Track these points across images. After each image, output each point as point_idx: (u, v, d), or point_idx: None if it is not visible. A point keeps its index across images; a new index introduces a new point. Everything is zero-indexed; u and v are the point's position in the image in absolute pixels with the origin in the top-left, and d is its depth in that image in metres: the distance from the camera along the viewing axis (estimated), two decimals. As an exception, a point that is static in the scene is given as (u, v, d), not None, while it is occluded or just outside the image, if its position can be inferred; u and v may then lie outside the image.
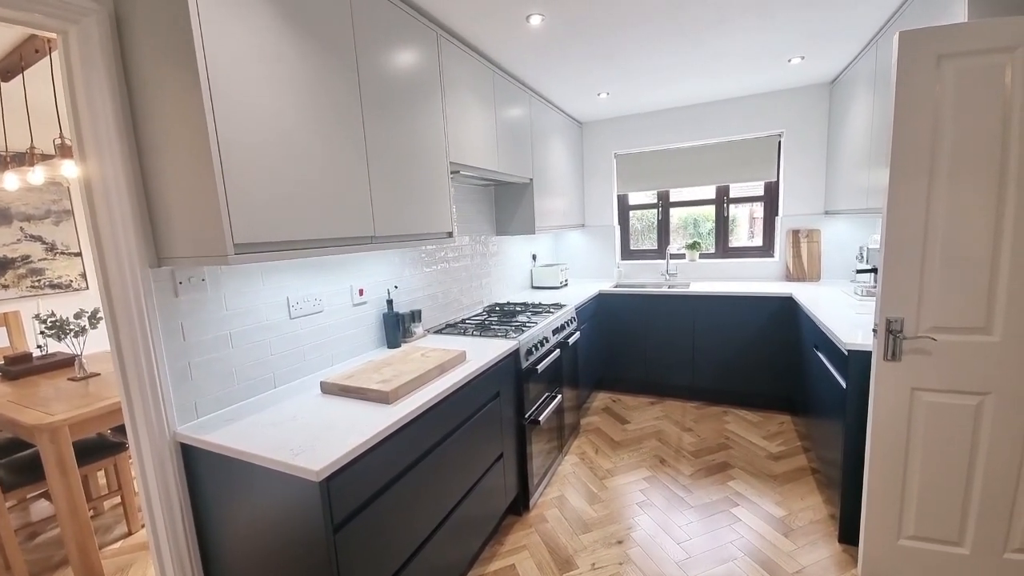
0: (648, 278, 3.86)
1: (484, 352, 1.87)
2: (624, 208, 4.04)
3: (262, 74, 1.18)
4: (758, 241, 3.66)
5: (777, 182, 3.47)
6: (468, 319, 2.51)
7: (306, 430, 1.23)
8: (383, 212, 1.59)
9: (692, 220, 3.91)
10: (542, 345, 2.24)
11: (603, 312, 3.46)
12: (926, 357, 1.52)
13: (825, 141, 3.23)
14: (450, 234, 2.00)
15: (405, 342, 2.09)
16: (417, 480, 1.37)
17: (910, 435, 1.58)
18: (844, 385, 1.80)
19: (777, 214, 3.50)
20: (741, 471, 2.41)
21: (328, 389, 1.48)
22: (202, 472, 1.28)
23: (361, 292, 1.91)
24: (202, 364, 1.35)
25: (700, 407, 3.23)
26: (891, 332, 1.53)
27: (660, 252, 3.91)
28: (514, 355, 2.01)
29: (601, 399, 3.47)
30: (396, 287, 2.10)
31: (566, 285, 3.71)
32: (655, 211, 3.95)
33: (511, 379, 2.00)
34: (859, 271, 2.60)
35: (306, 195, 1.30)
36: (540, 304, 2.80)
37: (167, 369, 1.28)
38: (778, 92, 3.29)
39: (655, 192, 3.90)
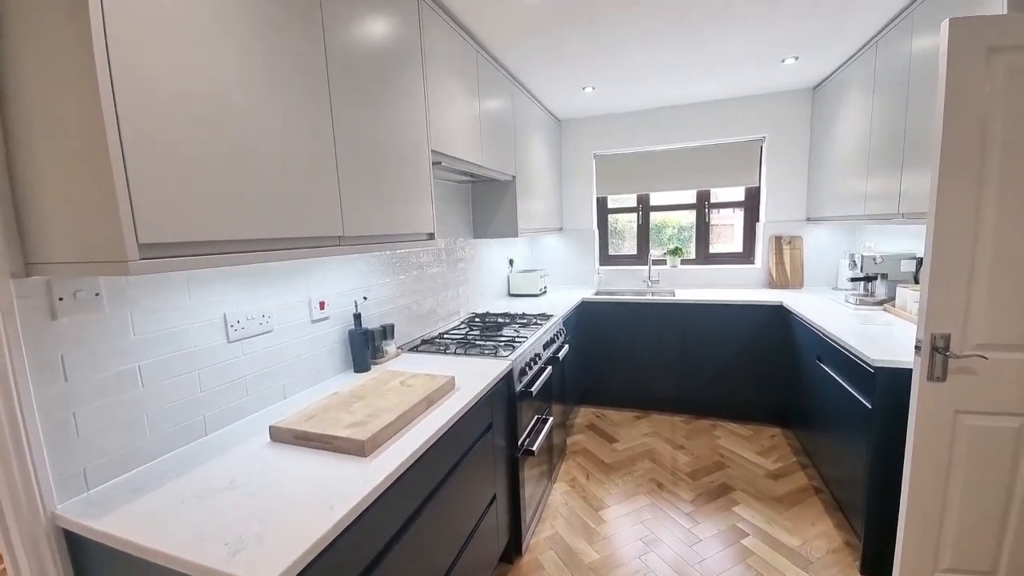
0: (629, 285, 3.69)
1: (474, 375, 1.57)
2: (603, 211, 3.86)
3: (190, 23, 0.83)
4: (736, 247, 3.58)
5: (759, 188, 3.41)
6: (447, 333, 2.19)
7: (249, 505, 0.88)
8: (354, 208, 1.26)
9: (655, 226, 3.79)
10: (534, 363, 1.97)
11: (586, 322, 3.25)
12: (972, 377, 1.38)
13: (807, 147, 3.19)
14: (431, 235, 1.69)
15: (376, 364, 1.75)
16: (400, 557, 1.05)
17: (951, 462, 1.45)
18: (868, 405, 1.65)
19: (759, 220, 3.43)
20: (743, 494, 2.24)
21: (280, 436, 1.13)
22: (97, 570, 0.90)
23: (322, 305, 1.56)
24: (95, 412, 0.97)
25: (688, 421, 3.08)
26: (936, 350, 1.38)
27: (640, 258, 3.76)
28: (507, 377, 1.73)
29: (584, 415, 3.24)
30: (365, 298, 1.76)
31: (545, 292, 3.47)
32: (634, 215, 3.79)
33: (503, 405, 1.72)
34: (853, 279, 2.52)
35: (251, 182, 0.96)
36: (525, 315, 2.53)
37: (38, 422, 0.89)
38: (761, 96, 3.23)
39: (635, 196, 3.75)
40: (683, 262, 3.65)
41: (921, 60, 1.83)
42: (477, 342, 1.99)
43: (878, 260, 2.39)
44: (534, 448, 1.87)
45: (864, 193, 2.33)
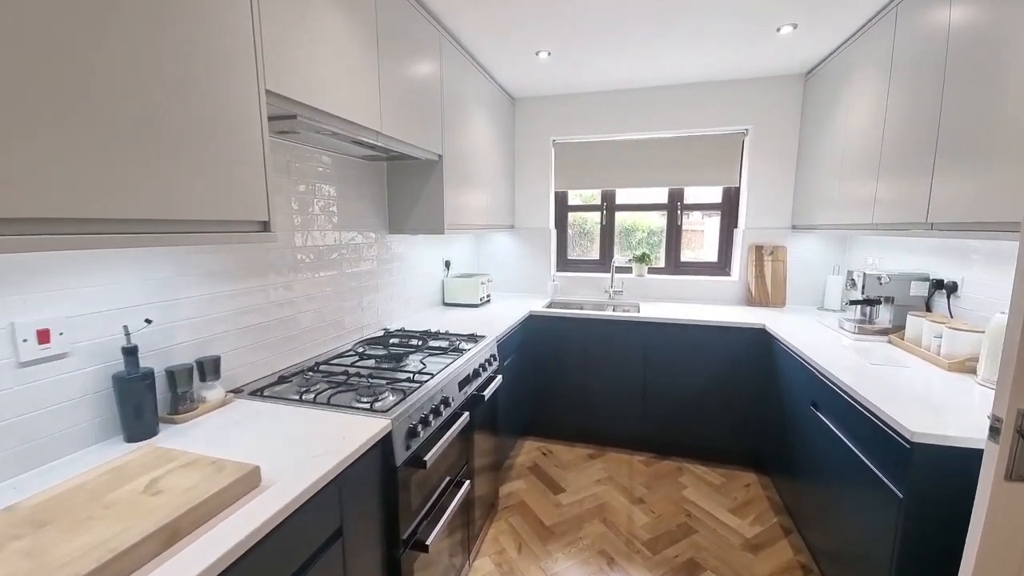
0: (588, 295, 3.17)
1: (318, 449, 0.98)
2: (562, 208, 3.32)
3: None
4: (711, 256, 3.13)
5: (739, 189, 2.95)
6: (325, 364, 1.58)
7: None
8: (30, 160, 0.65)
9: (625, 228, 3.29)
10: (439, 412, 1.39)
11: (534, 339, 2.70)
12: (1073, 477, 0.90)
13: (796, 143, 2.75)
14: (265, 225, 1.08)
15: (176, 422, 1.12)
16: None
17: (1025, 593, 0.97)
18: (899, 493, 1.16)
19: (737, 226, 2.98)
20: (715, 576, 1.75)
21: None
22: None
23: (45, 336, 0.92)
24: None
25: (650, 461, 2.58)
26: (1022, 434, 0.90)
27: (603, 264, 3.25)
28: (382, 444, 1.14)
29: (529, 450, 2.69)
30: (148, 321, 1.13)
31: (488, 301, 2.90)
32: (598, 214, 3.28)
33: (375, 488, 1.13)
34: (852, 302, 2.08)
35: None
36: (447, 335, 1.96)
37: None
38: (745, 81, 2.76)
39: (599, 192, 3.24)
40: (651, 271, 3.16)
41: (966, 32, 1.36)
42: (358, 380, 1.39)
43: (883, 280, 1.94)
44: (429, 540, 1.30)
45: (872, 198, 1.87)
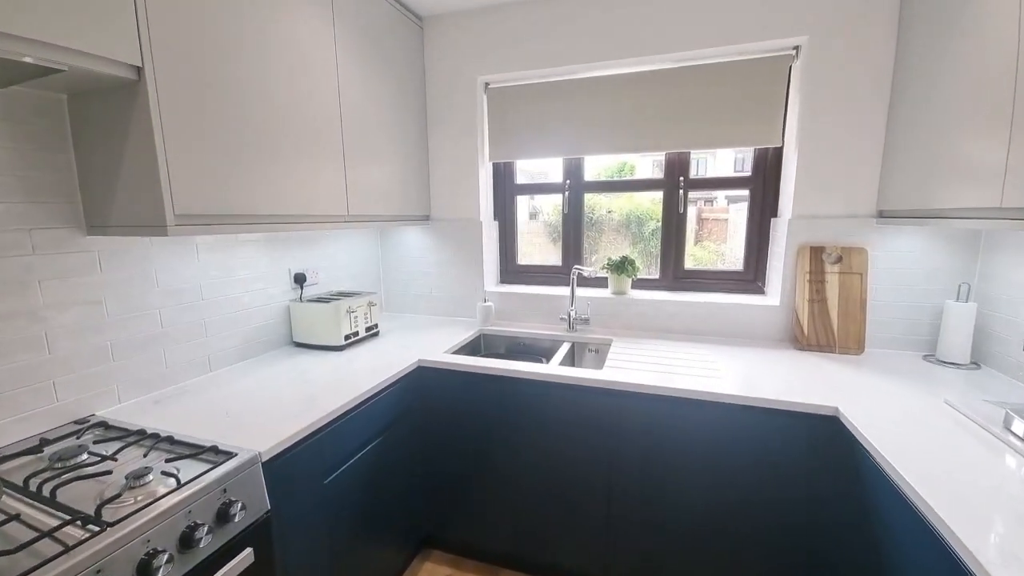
0: (537, 324, 2.06)
1: None
2: (504, 186, 2.21)
3: None
4: (734, 261, 1.97)
5: (780, 152, 1.78)
6: None
7: None
8: None
9: (636, 217, 2.13)
10: None
11: (428, 405, 1.63)
12: None
13: (889, 69, 1.55)
14: None
15: None
16: None
17: None
18: None
19: (777, 214, 1.82)
20: None
21: None
22: None
23: None
24: None
25: (618, 626, 1.49)
26: None
27: (567, 272, 2.13)
28: None
29: (421, 587, 1.64)
30: None
31: (370, 335, 1.84)
32: (559, 197, 2.15)
33: None
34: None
35: None
36: (171, 443, 0.91)
37: None
38: (797, -39, 1.58)
39: (560, 163, 2.12)
40: (638, 284, 2.04)
41: None
42: None
43: None
44: None
45: None
